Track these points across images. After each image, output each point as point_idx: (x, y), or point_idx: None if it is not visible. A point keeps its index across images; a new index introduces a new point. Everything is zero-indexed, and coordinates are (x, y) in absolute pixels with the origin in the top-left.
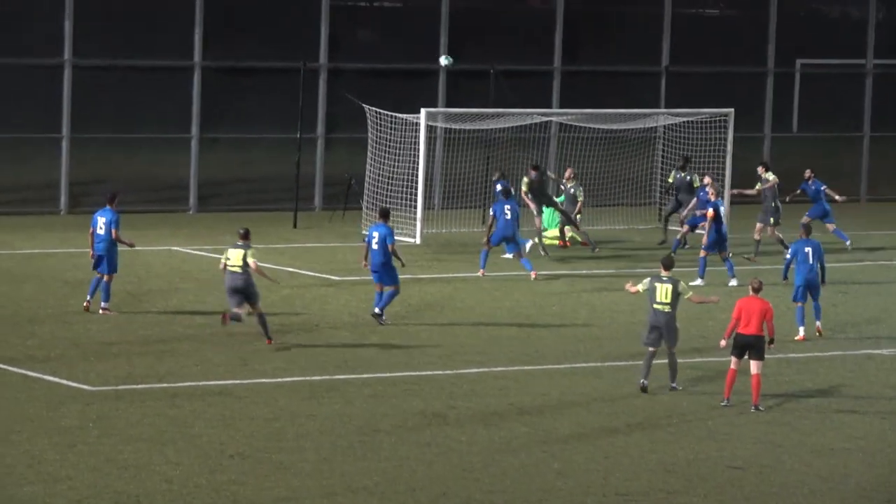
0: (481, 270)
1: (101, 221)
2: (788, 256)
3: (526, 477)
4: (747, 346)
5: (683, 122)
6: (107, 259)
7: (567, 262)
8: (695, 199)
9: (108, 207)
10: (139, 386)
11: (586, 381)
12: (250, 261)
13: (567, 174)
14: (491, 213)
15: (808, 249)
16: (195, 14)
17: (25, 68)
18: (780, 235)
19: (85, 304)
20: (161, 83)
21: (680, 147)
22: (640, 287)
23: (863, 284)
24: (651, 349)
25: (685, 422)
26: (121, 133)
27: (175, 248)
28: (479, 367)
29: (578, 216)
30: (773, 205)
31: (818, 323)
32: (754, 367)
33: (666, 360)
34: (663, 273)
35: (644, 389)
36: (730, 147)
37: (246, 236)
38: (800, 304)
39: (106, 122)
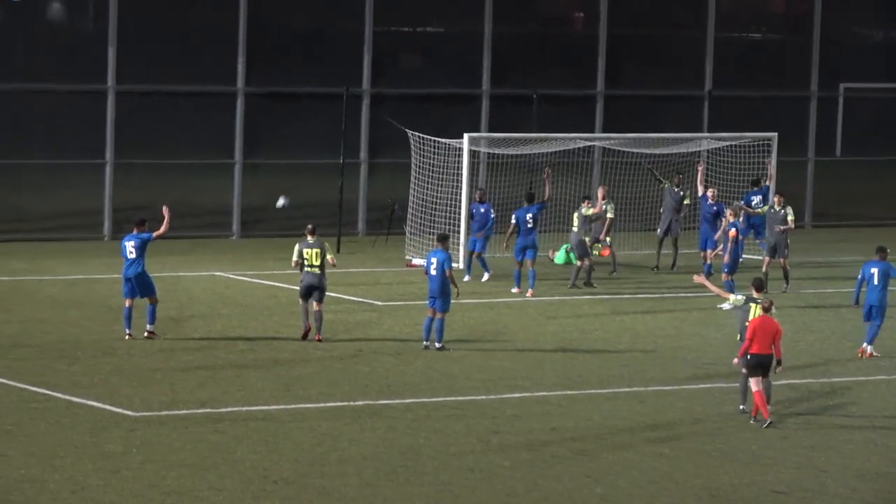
0: (516, 288)
1: (129, 246)
2: (860, 277)
3: (569, 502)
4: (763, 365)
5: (727, 146)
6: (142, 284)
7: (610, 286)
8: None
9: (135, 233)
10: (182, 411)
11: (629, 405)
12: (329, 257)
13: (601, 193)
14: (514, 220)
15: (875, 270)
16: (238, 40)
17: (69, 94)
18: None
19: (126, 336)
20: (204, 109)
21: (724, 171)
22: (732, 298)
23: None
24: (745, 372)
25: (729, 446)
26: (164, 159)
27: (218, 273)
28: (522, 392)
29: (608, 239)
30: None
31: (867, 346)
32: (755, 383)
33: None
34: (756, 294)
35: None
36: (773, 171)
37: (314, 232)
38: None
39: (149, 148)
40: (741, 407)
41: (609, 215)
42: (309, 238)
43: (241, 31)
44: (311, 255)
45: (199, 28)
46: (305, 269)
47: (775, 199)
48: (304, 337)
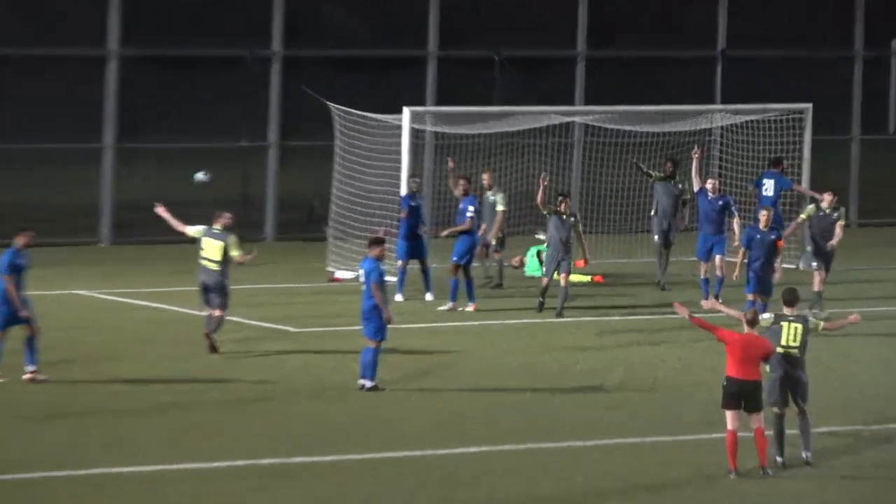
0: (472, 304)
1: None
2: None
3: None
4: (744, 395)
5: (746, 121)
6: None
7: (595, 304)
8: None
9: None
10: (36, 474)
11: (623, 460)
12: (235, 254)
13: (486, 180)
14: (470, 214)
15: None
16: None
17: None
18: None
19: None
20: (65, 78)
21: (743, 155)
22: (761, 319)
23: None
24: (778, 411)
25: None
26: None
27: (82, 291)
28: (481, 445)
29: (498, 238)
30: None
31: None
32: (754, 420)
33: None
34: (787, 310)
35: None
36: (807, 153)
37: (221, 217)
38: None
39: None
40: (778, 459)
41: (499, 208)
42: (216, 226)
43: None
44: (210, 247)
45: None
46: (202, 263)
47: (826, 199)
48: (212, 349)
